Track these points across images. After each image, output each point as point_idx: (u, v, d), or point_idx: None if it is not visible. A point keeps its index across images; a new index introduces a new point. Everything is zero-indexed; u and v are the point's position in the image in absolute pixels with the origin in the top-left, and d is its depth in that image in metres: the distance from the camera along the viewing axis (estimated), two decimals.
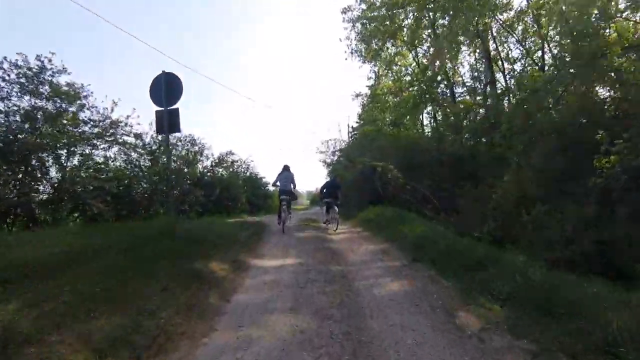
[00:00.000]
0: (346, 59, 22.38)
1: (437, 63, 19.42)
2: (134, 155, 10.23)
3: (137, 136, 10.36)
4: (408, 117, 20.45)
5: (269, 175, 25.06)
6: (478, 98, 17.58)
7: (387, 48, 22.18)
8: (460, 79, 20.16)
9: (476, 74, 20.09)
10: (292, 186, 8.73)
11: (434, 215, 10.29)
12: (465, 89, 19.78)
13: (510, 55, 17.80)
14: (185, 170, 12.35)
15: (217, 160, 15.28)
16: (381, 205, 11.03)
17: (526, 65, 16.78)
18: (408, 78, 22.06)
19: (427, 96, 18.95)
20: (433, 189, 11.35)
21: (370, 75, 23.99)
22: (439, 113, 20.35)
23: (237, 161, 18.22)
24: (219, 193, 13.29)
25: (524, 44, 16.85)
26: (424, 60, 21.94)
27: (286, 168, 8.80)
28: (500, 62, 17.21)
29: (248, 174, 19.82)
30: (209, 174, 14.56)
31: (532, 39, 16.17)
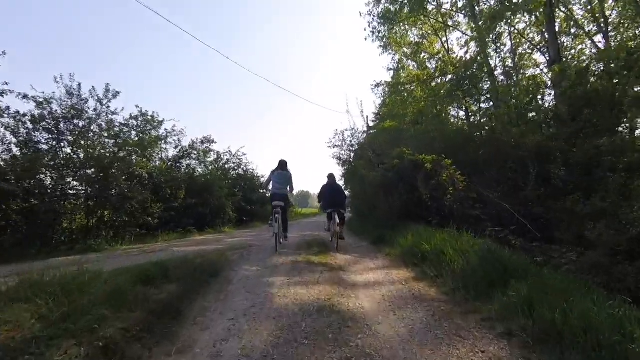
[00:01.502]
0: (366, 38, 18.90)
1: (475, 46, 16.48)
2: (22, 131, 6.28)
3: (41, 103, 6.36)
4: (438, 108, 17.17)
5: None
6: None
7: (409, 35, 19.55)
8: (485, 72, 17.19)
9: (511, 63, 16.91)
10: (288, 189, 6.69)
11: (526, 245, 6.01)
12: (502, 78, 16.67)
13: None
14: (133, 159, 8.24)
15: (187, 149, 11.07)
16: (429, 224, 6.86)
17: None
18: (434, 65, 19.31)
19: (466, 82, 15.58)
20: (514, 201, 7.08)
21: (391, 67, 20.85)
22: (475, 104, 16.97)
23: (223, 154, 13.99)
24: (183, 198, 9.16)
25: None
26: (455, 48, 18.96)
27: (282, 165, 6.72)
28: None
29: (240, 171, 15.47)
30: (174, 167, 10.40)
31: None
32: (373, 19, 17.46)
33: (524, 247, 5.98)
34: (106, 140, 8.08)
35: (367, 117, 18.71)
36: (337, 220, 6.69)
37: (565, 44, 15.72)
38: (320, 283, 4.04)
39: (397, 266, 5.14)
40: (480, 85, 15.70)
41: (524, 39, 16.66)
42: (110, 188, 7.28)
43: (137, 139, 8.90)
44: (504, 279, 3.47)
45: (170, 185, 9.01)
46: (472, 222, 6.41)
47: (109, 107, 8.01)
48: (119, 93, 7.93)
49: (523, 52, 17.54)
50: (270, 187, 6.68)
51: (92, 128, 7.63)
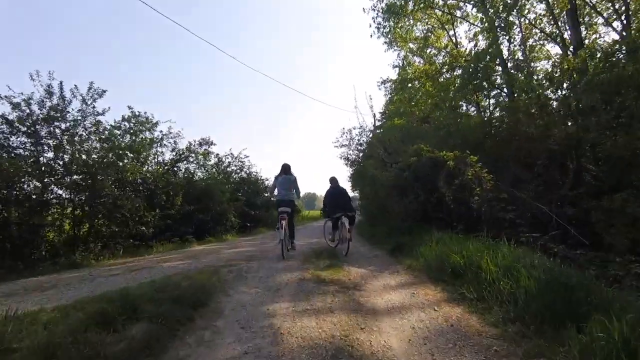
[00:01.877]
0: (371, 35, 18.26)
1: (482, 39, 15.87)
2: None
3: (18, 104, 5.72)
4: (447, 105, 16.45)
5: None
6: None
7: (415, 30, 18.96)
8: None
9: (521, 56, 16.10)
10: (294, 194, 6.51)
11: (569, 253, 5.16)
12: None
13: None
14: (125, 163, 7.57)
15: (183, 152, 10.40)
16: (452, 228, 6.06)
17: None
18: (441, 60, 18.63)
19: (479, 75, 14.74)
20: (548, 202, 6.23)
21: (397, 64, 20.23)
22: (485, 100, 16.20)
23: (224, 156, 13.33)
24: (180, 204, 8.46)
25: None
26: (463, 41, 18.20)
27: (285, 169, 6.53)
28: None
29: (242, 174, 14.76)
30: (170, 171, 9.71)
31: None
32: (377, 14, 16.81)
33: (567, 255, 5.13)
34: (94, 144, 7.44)
35: (374, 115, 17.88)
36: (347, 225, 6.11)
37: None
38: (333, 310, 3.28)
39: (423, 283, 4.35)
40: (493, 78, 14.92)
41: (535, 29, 15.81)
42: (100, 196, 6.61)
43: (129, 141, 8.24)
44: (572, 307, 2.68)
45: (165, 191, 8.31)
46: (505, 226, 5.58)
47: (94, 107, 7.37)
48: (105, 92, 7.29)
49: (534, 43, 16.72)
50: (276, 192, 6.52)
51: (77, 131, 7.00)
